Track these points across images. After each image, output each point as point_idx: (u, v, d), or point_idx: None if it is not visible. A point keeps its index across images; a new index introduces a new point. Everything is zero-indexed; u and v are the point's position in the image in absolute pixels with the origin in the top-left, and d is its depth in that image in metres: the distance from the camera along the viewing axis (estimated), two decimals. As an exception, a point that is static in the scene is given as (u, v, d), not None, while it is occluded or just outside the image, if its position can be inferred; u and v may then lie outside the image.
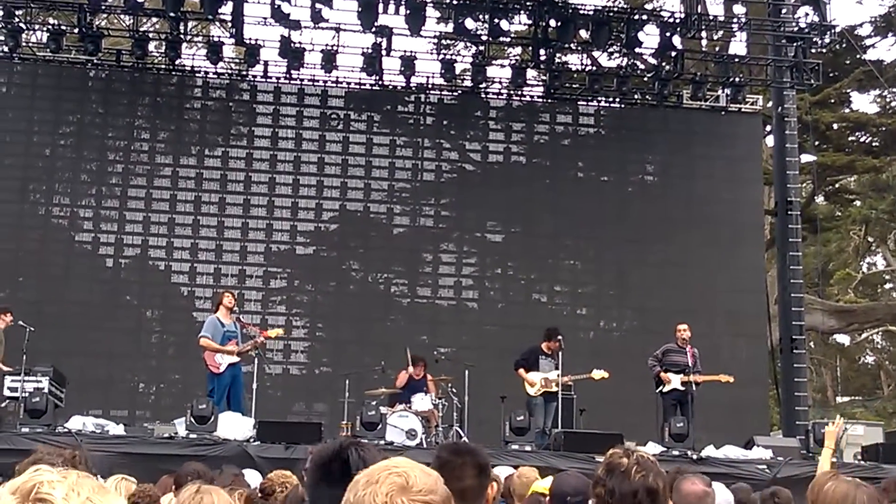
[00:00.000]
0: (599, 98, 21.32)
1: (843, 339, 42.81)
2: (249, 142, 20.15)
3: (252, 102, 20.44)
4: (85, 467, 4.23)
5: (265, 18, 18.90)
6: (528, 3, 20.13)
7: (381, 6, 18.54)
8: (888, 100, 31.52)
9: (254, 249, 19.72)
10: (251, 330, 15.44)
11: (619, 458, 3.74)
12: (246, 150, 20.07)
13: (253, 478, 8.01)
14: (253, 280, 19.62)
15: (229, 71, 20.90)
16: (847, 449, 18.47)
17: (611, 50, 22.88)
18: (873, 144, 30.58)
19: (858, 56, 28.25)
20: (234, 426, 13.68)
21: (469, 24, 19.23)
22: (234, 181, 19.85)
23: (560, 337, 15.54)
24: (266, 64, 19.91)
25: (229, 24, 19.86)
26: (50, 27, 19.38)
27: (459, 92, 21.66)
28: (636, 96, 21.51)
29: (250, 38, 19.27)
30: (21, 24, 19.23)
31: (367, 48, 19.38)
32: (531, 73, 21.74)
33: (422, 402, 14.97)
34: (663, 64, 20.58)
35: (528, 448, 13.92)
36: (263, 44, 19.27)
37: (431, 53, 20.64)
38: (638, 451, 3.81)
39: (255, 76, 20.30)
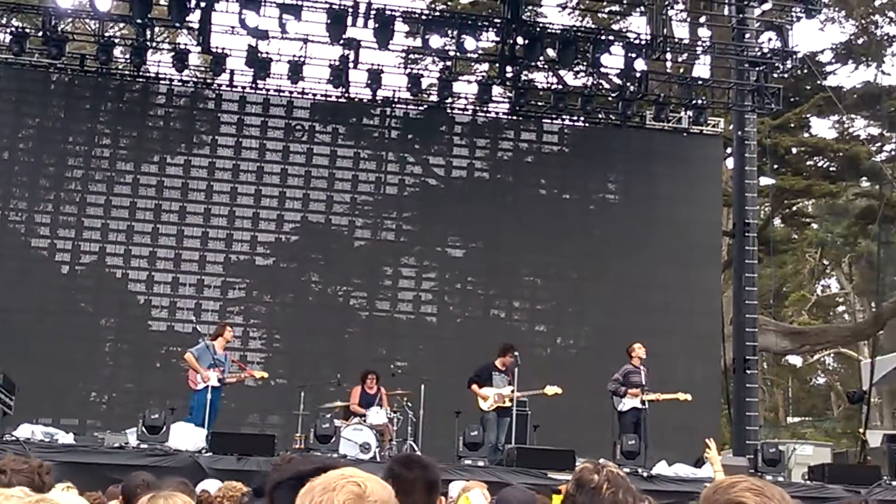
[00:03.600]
0: (564, 116, 21.47)
1: (796, 360, 43.26)
2: (212, 150, 20.09)
3: (216, 111, 20.38)
4: (50, 477, 4.27)
5: (232, 27, 18.88)
6: (496, 21, 20.26)
7: (349, 19, 18.58)
8: (846, 126, 31.93)
9: (213, 259, 19.63)
10: (241, 369, 16.08)
11: (590, 473, 3.72)
12: (209, 159, 20.01)
13: (213, 488, 8.01)
14: (211, 290, 19.54)
15: (194, 79, 20.85)
16: (795, 469, 18.72)
17: (576, 69, 23.07)
18: (831, 169, 30.93)
19: (819, 82, 28.62)
20: (186, 437, 13.64)
21: (437, 39, 19.31)
22: (195, 190, 19.77)
23: (515, 353, 15.64)
24: (232, 73, 19.86)
25: (196, 32, 19.82)
26: (13, 29, 19.24)
27: (425, 106, 21.74)
28: (600, 116, 21.68)
29: (217, 47, 19.22)
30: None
31: (335, 60, 19.41)
32: (497, 90, 21.86)
33: (377, 415, 15.00)
34: (628, 84, 20.75)
35: (480, 463, 13.99)
36: (230, 53, 19.21)
37: (398, 67, 20.72)
38: (608, 467, 3.80)
39: (220, 85, 20.23)
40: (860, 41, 31.03)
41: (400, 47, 20.45)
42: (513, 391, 15.45)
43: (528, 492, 5.10)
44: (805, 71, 27.10)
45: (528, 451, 14.53)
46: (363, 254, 20.62)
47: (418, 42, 20.08)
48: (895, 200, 24.98)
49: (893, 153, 30.56)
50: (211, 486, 8.03)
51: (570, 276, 20.85)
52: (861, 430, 17.19)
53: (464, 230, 20.89)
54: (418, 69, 22.81)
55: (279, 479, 3.24)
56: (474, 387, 15.59)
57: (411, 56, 21.65)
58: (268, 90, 20.24)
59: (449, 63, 21.71)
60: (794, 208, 33.96)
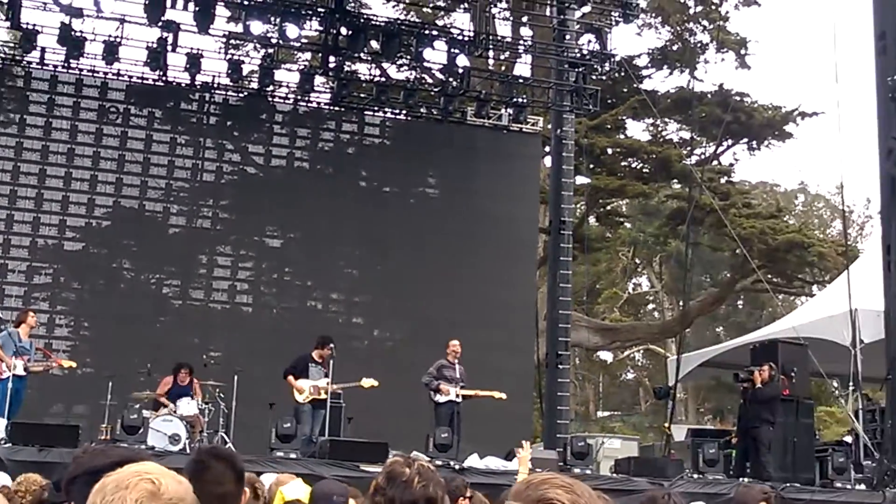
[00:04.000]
0: (386, 109, 21.46)
1: (607, 355, 44.53)
2: (20, 130, 19.29)
3: (25, 90, 19.59)
4: None
5: (45, 3, 18.18)
6: (319, 10, 20.07)
7: (168, 1, 18.11)
8: (660, 129, 32.95)
9: (18, 243, 18.89)
10: (46, 356, 15.67)
11: (401, 467, 3.69)
12: (16, 139, 19.21)
13: (7, 481, 7.67)
14: (15, 275, 18.79)
15: (2, 55, 20.00)
16: (603, 462, 19.22)
17: (400, 62, 23.09)
18: (644, 170, 31.87)
19: (635, 85, 29.43)
20: (-17, 427, 13.05)
21: (259, 26, 19.00)
22: None
23: (332, 345, 15.55)
24: (43, 50, 19.09)
25: (5, 7, 18.97)
26: None
27: (245, 94, 21.38)
28: (422, 110, 21.77)
29: (27, 23, 18.46)
30: None
31: (152, 42, 18.89)
32: (319, 80, 21.71)
33: (187, 406, 14.69)
34: (450, 80, 20.89)
35: (293, 455, 13.83)
36: (41, 30, 18.50)
37: (219, 53, 20.29)
38: (419, 461, 3.77)
39: (30, 62, 19.44)
40: (675, 47, 32.08)
41: (220, 32, 20.02)
42: (329, 383, 15.36)
43: (341, 484, 5.07)
44: (622, 74, 27.83)
45: (341, 444, 14.45)
46: (178, 241, 20.17)
47: (240, 28, 19.72)
48: (704, 203, 25.87)
49: (703, 157, 31.70)
50: (4, 479, 7.70)
51: (388, 269, 20.87)
52: (666, 425, 17.75)
53: (282, 220, 20.67)
54: (239, 55, 22.41)
55: (74, 474, 3.11)
56: (290, 378, 15.43)
57: (232, 42, 21.21)
58: (81, 70, 19.55)
59: (271, 50, 21.43)
60: (609, 207, 34.85)
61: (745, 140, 32.17)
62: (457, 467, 14.09)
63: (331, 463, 13.46)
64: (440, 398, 15.63)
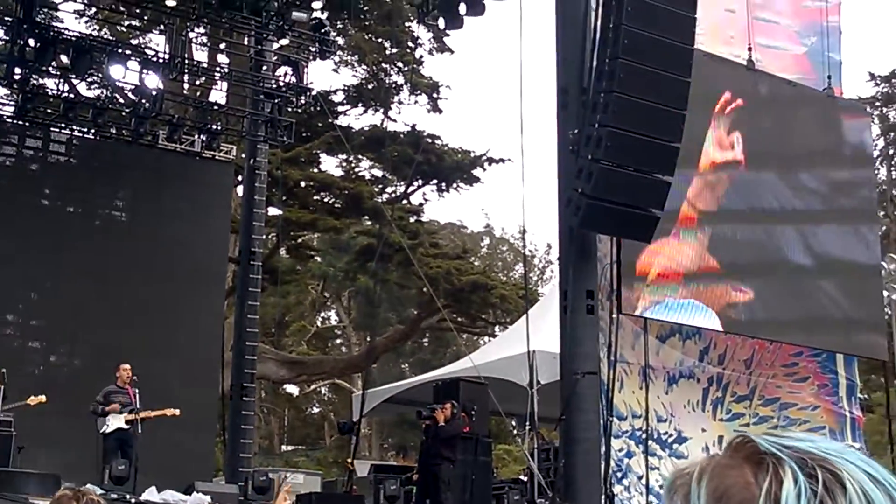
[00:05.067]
0: (73, 126, 20.63)
1: (293, 388, 44.41)
2: None
3: None
4: None
5: None
6: (6, 19, 19.07)
7: None
8: (353, 165, 33.40)
9: None
10: None
11: (69, 500, 3.76)
12: None
13: None
14: None
15: None
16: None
17: (90, 79, 22.26)
18: (336, 205, 32.19)
19: (330, 120, 29.74)
20: None
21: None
22: None
23: (2, 370, 14.71)
24: None
25: None
26: None
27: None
28: (112, 130, 21.07)
29: None
30: None
31: None
32: (3, 91, 20.60)
33: None
34: (142, 101, 20.34)
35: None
36: None
37: None
38: (89, 494, 3.81)
39: None
40: (370, 86, 32.66)
41: None
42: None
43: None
44: (318, 108, 28.07)
45: (8, 475, 13.66)
46: None
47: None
48: (393, 241, 26.37)
49: (394, 195, 32.37)
50: None
51: (69, 292, 19.94)
52: (349, 460, 17.84)
53: (-48, 236, 19.40)
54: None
55: None
56: None
57: None
58: None
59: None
60: (300, 240, 34.93)
61: (435, 181, 33.10)
62: (133, 500, 13.64)
63: (-4, 495, 12.71)
64: (107, 428, 14.99)
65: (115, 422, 14.95)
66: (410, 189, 33.42)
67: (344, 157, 32.76)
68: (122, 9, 23.43)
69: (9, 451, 15.29)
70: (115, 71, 19.06)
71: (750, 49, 17.20)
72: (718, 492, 1.10)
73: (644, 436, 15.52)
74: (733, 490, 1.09)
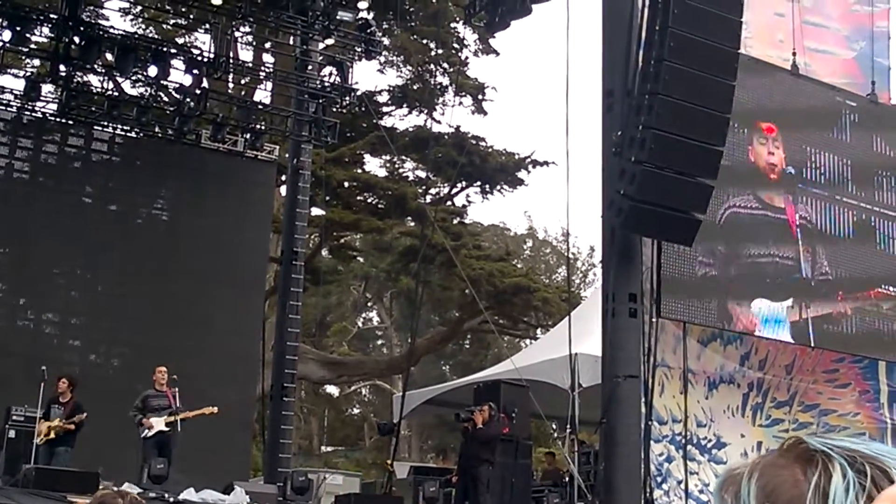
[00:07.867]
0: (117, 125, 20.67)
1: (333, 389, 44.40)
2: None
3: None
4: None
5: None
6: (52, 16, 19.14)
7: None
8: (397, 166, 33.29)
9: None
10: None
11: (112, 499, 3.77)
12: None
13: None
14: None
15: None
16: (325, 498, 19.04)
17: (135, 78, 22.30)
18: (379, 206, 32.08)
19: (374, 121, 29.64)
20: None
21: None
22: None
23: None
24: None
25: None
26: None
27: (-36, 97, 20.11)
28: (156, 128, 21.10)
29: None
30: None
31: None
32: (47, 88, 20.68)
33: None
34: (187, 100, 20.35)
35: (-8, 484, 12.98)
36: None
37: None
38: (130, 494, 3.83)
39: None
40: (415, 87, 32.53)
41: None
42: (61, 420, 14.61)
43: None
44: (362, 109, 27.98)
45: (47, 472, 13.65)
46: None
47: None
48: (436, 242, 26.23)
49: (438, 197, 32.22)
50: None
51: (108, 291, 19.99)
52: (389, 462, 17.75)
53: (-6, 232, 19.50)
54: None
55: None
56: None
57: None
58: None
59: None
60: (343, 241, 34.86)
61: (479, 183, 32.90)
62: (171, 500, 13.60)
63: (35, 493, 12.70)
64: (148, 433, 14.97)
65: (155, 425, 14.91)
66: (454, 191, 33.27)
67: (388, 157, 32.66)
68: (167, 7, 23.48)
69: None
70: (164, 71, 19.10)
71: (794, 54, 16.98)
72: (768, 489, 1.16)
73: (683, 440, 15.36)
74: (783, 487, 1.15)
